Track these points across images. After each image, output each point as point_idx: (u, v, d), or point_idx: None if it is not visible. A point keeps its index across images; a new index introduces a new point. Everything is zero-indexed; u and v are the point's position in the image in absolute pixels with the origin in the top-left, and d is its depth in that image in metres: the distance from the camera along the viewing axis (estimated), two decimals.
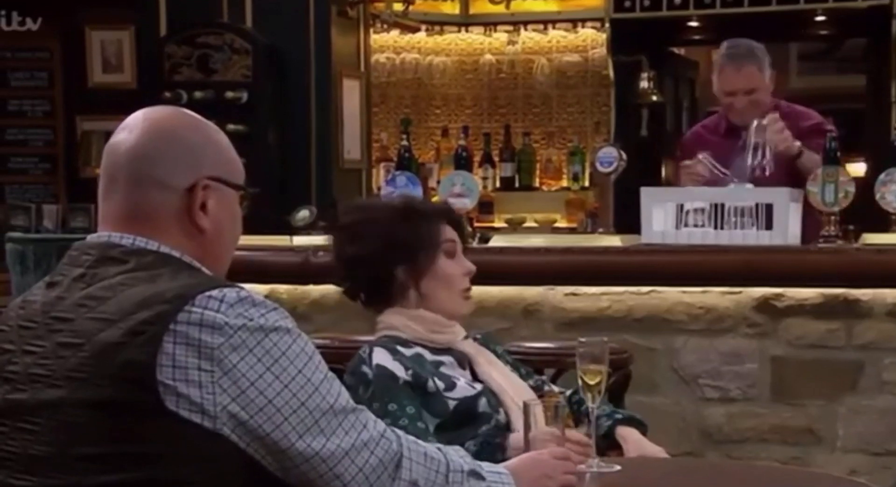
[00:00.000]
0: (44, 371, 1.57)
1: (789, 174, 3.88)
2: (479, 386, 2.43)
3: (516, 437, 2.23)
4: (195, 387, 1.51)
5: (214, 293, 1.56)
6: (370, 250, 2.45)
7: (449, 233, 2.49)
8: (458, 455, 1.75)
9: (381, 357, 2.39)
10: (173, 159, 1.68)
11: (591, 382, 2.23)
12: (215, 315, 1.54)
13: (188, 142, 1.70)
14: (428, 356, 2.45)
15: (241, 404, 1.53)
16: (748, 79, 4.08)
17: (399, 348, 2.43)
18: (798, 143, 3.90)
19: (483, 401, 2.40)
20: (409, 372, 2.38)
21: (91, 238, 1.70)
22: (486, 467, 1.77)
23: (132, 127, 1.70)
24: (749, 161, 3.78)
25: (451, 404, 2.38)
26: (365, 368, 2.38)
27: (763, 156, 3.78)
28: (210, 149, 1.72)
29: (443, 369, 2.44)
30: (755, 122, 3.84)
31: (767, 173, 3.76)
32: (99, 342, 1.53)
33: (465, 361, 2.50)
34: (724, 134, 4.21)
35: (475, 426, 2.36)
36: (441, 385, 2.39)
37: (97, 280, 1.61)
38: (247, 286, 1.65)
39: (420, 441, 1.72)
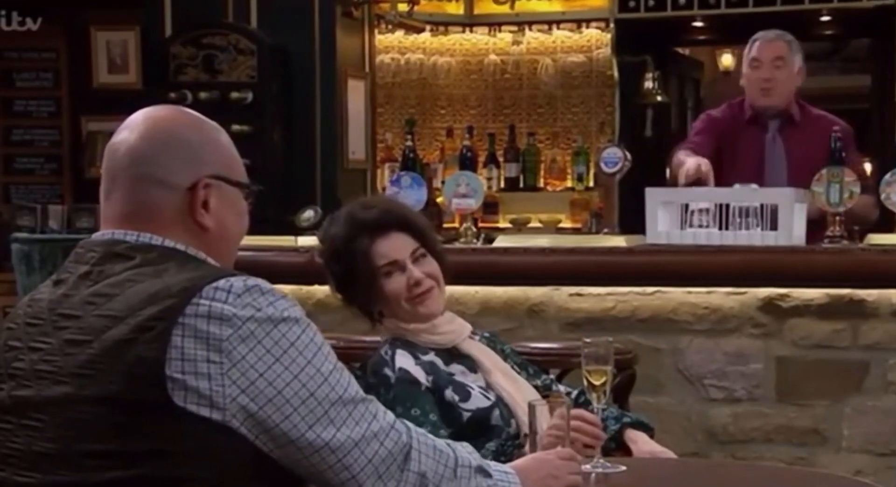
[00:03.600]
0: (49, 367, 1.58)
1: None
2: (493, 397, 2.42)
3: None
4: (204, 380, 1.52)
5: (221, 283, 1.56)
6: (330, 286, 2.53)
7: (384, 250, 2.43)
8: (466, 452, 1.75)
9: (403, 360, 2.39)
10: (173, 159, 1.68)
11: (596, 382, 2.24)
12: (223, 306, 1.54)
13: (188, 142, 1.70)
14: (441, 365, 2.44)
15: (250, 395, 1.54)
16: (778, 49, 4.12)
17: (418, 354, 2.43)
18: None
19: (496, 413, 2.40)
20: (430, 378, 2.38)
21: (96, 235, 1.70)
22: (493, 466, 1.78)
23: (132, 127, 1.71)
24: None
25: (465, 416, 2.37)
26: (387, 370, 2.37)
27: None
28: (210, 147, 1.73)
29: (456, 378, 2.44)
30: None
31: None
32: (108, 339, 1.54)
33: (474, 366, 2.49)
34: (748, 122, 4.21)
35: (486, 438, 2.35)
36: (456, 396, 2.39)
37: (103, 277, 1.62)
38: None
39: (429, 435, 1.73)
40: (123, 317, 1.54)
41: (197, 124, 1.75)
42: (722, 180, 3.93)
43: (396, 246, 2.44)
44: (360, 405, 1.63)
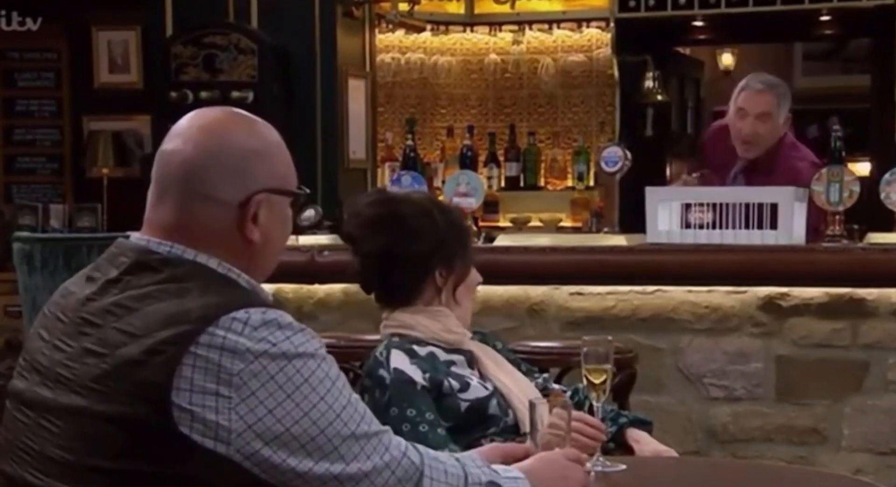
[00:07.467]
0: (68, 374, 1.57)
1: None
2: (490, 387, 2.43)
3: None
4: (211, 412, 1.50)
5: (239, 314, 1.53)
6: (423, 248, 2.43)
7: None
8: (476, 466, 1.72)
9: (398, 360, 2.38)
10: (226, 173, 1.65)
11: (596, 381, 2.24)
12: (237, 339, 1.51)
13: (241, 152, 1.67)
14: (441, 355, 2.45)
15: (256, 431, 1.51)
16: (765, 103, 4.08)
17: (415, 347, 2.42)
18: None
19: (494, 402, 2.40)
20: (427, 375, 2.37)
21: (134, 238, 1.67)
22: (502, 473, 1.75)
23: (186, 136, 1.67)
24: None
25: (464, 406, 2.37)
26: (382, 371, 2.36)
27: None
28: (263, 156, 1.70)
29: (455, 368, 2.44)
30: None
31: None
32: (119, 356, 1.53)
33: (473, 361, 2.50)
34: (728, 150, 4.22)
35: (485, 427, 2.36)
36: (456, 385, 2.39)
37: (129, 287, 1.60)
38: None
39: (440, 456, 1.70)
40: (138, 337, 1.52)
41: (250, 129, 1.72)
42: None
43: None
44: (374, 438, 1.60)
